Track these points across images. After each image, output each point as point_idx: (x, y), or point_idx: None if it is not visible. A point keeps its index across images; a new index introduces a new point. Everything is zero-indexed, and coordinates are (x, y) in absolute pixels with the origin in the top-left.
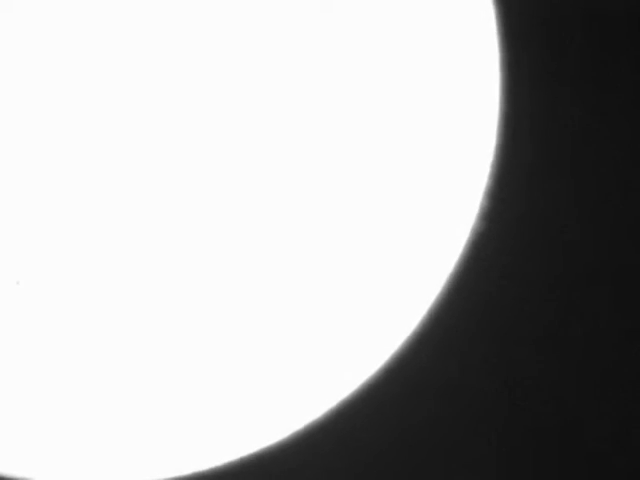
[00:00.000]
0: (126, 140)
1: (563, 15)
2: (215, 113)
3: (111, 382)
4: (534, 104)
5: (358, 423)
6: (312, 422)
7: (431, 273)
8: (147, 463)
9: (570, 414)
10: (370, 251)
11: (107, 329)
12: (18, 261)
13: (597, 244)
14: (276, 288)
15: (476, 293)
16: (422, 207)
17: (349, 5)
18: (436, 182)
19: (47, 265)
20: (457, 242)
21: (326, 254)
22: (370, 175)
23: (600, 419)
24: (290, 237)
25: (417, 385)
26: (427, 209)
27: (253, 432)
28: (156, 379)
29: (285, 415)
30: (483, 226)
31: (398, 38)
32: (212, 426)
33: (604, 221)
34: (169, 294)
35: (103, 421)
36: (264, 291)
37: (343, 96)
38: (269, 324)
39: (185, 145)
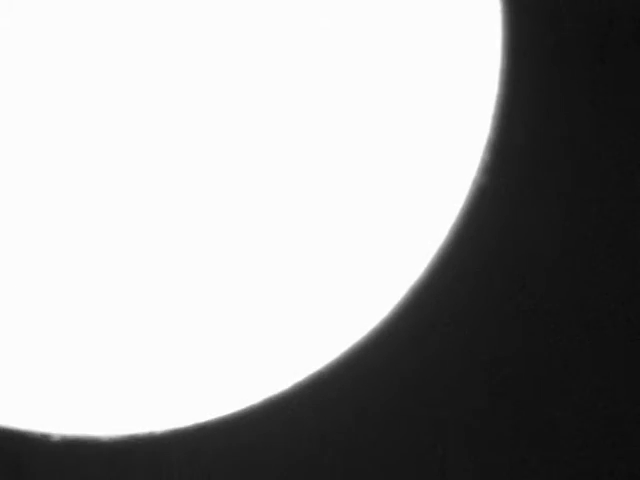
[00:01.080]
0: (123, 135)
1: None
2: (213, 109)
3: (111, 332)
4: (535, 59)
5: (351, 380)
6: (306, 379)
7: (433, 227)
8: (153, 414)
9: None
10: (372, 206)
11: (110, 278)
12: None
13: (598, 208)
14: (279, 249)
15: (477, 246)
16: (424, 162)
17: None
18: (438, 138)
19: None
20: (458, 196)
21: (329, 207)
22: (374, 130)
23: (583, 394)
24: (295, 196)
25: (422, 337)
26: (429, 163)
27: (253, 384)
28: (160, 329)
29: (283, 367)
30: (484, 180)
31: (400, 13)
32: (212, 378)
33: (606, 185)
34: (175, 240)
35: (102, 373)
36: (267, 250)
37: (345, 62)
38: (268, 286)
39: (180, 133)
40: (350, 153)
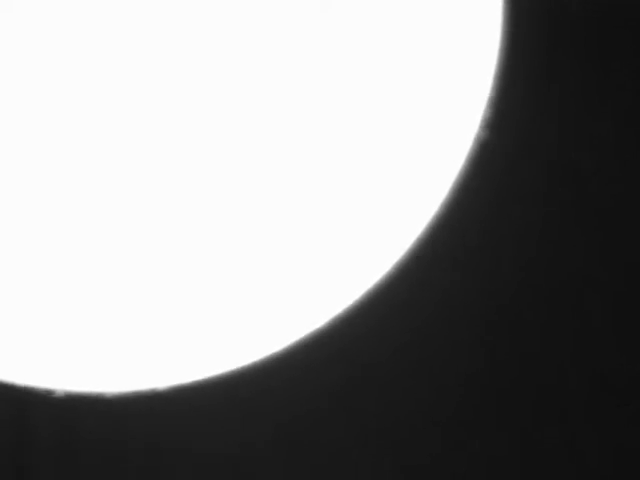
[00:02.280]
0: (120, 127)
1: None
2: (208, 101)
3: (114, 288)
4: (538, 16)
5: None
6: (307, 335)
7: (434, 183)
8: (155, 370)
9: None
10: (371, 160)
11: (110, 234)
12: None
13: (600, 163)
14: (278, 205)
15: (478, 201)
16: (426, 118)
17: None
18: (439, 93)
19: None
20: (460, 151)
21: (329, 160)
22: (375, 85)
23: (574, 363)
24: (297, 150)
25: (428, 285)
26: (431, 120)
27: (255, 341)
28: (163, 286)
29: (284, 324)
30: (486, 136)
31: None
32: (214, 335)
33: (607, 138)
34: (175, 198)
35: (105, 329)
36: (266, 204)
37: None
38: (269, 241)
39: (177, 120)
40: (352, 107)
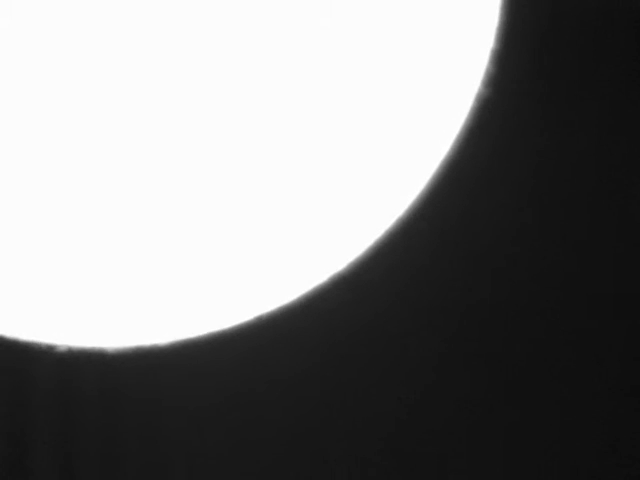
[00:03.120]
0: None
1: None
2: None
3: (115, 243)
4: None
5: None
6: (308, 292)
7: (435, 140)
8: (157, 326)
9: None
10: (373, 117)
11: (110, 193)
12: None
13: (601, 121)
14: (278, 159)
15: (480, 159)
16: (427, 73)
17: None
18: (441, 48)
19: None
20: (462, 108)
21: (330, 116)
22: (377, 40)
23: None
24: (299, 101)
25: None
26: (433, 76)
27: (256, 297)
28: (164, 241)
29: (285, 280)
30: (488, 92)
31: None
32: (215, 291)
33: (608, 94)
34: (174, 148)
35: (107, 284)
36: (266, 158)
37: None
38: (268, 198)
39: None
40: (354, 65)
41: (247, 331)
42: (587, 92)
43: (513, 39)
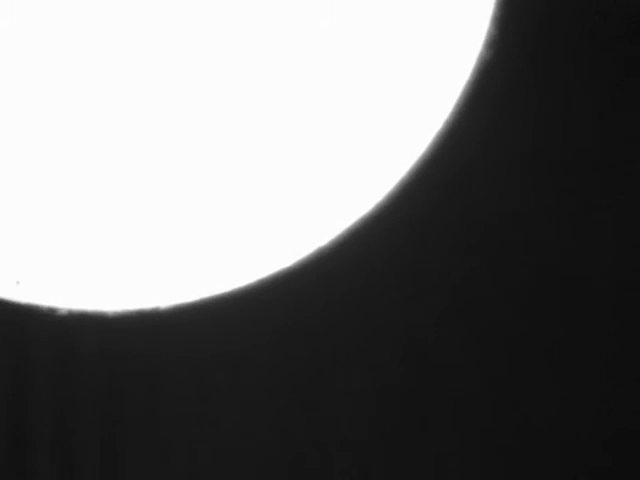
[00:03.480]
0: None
1: None
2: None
3: (118, 207)
4: None
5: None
6: (310, 254)
7: (437, 101)
8: (158, 289)
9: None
10: (379, 78)
11: (114, 154)
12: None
13: (601, 85)
14: (277, 131)
15: (481, 119)
16: (430, 35)
17: None
18: (444, 12)
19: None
20: (464, 69)
21: (330, 80)
22: (377, 7)
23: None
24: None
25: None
26: (435, 38)
27: (257, 260)
28: (166, 204)
29: (286, 243)
30: (489, 54)
31: None
32: (216, 254)
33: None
34: (179, 115)
35: (108, 247)
36: (266, 124)
37: None
38: (268, 161)
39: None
40: (359, 27)
41: (244, 295)
42: (586, 57)
43: (514, 4)
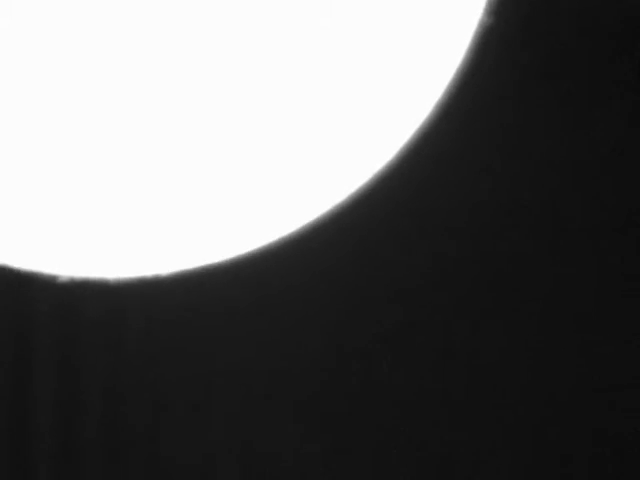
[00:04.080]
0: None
1: None
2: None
3: (118, 173)
4: None
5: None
6: (313, 220)
7: (437, 67)
8: (159, 256)
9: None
10: (373, 46)
11: (112, 126)
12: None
13: (600, 52)
14: (280, 82)
15: (482, 87)
16: (431, 2)
17: None
18: None
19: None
20: (465, 36)
21: (328, 51)
22: None
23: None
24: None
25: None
26: (435, 3)
27: (260, 226)
28: (167, 171)
29: (286, 210)
30: (490, 21)
31: None
32: (217, 220)
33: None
34: (169, 85)
35: (110, 214)
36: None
37: None
38: (268, 127)
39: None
40: None
41: (245, 262)
42: (585, 28)
43: None
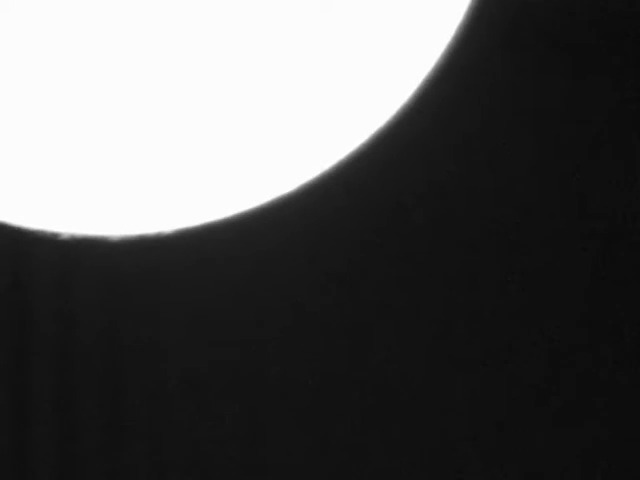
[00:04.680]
0: None
1: None
2: None
3: (121, 130)
4: None
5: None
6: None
7: (434, 33)
8: (161, 214)
9: None
10: (359, 31)
11: (116, 73)
12: None
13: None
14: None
15: (481, 45)
16: None
17: None
18: None
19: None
20: (460, 5)
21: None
22: None
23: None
24: None
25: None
26: None
27: (263, 182)
28: (170, 128)
29: (288, 167)
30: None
31: None
32: (221, 177)
33: None
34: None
35: (112, 171)
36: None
37: None
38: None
39: None
40: None
41: (245, 219)
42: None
43: None
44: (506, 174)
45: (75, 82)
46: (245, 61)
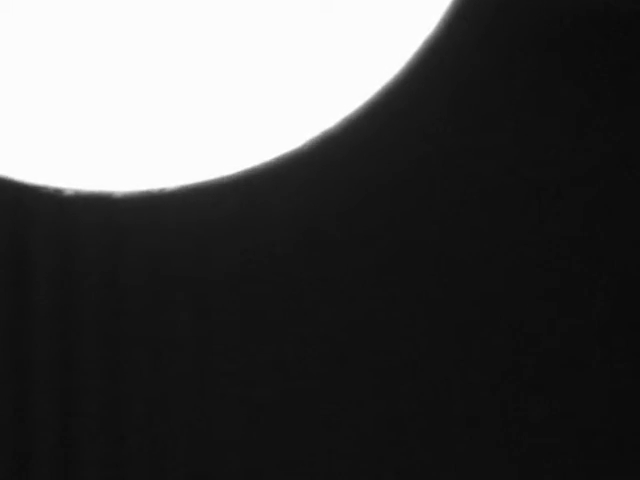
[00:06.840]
0: None
1: None
2: None
3: (124, 87)
4: None
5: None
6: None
7: (418, 20)
8: (165, 170)
9: None
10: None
11: (116, 35)
12: None
13: None
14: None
15: (473, 29)
16: None
17: None
18: None
19: None
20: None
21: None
22: None
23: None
24: None
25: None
26: None
27: (268, 140)
28: (174, 85)
29: (291, 126)
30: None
31: None
32: (226, 133)
33: None
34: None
35: (115, 128)
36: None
37: None
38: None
39: None
40: None
41: (248, 178)
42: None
43: None
44: (484, 168)
45: (79, 46)
46: (243, 36)
